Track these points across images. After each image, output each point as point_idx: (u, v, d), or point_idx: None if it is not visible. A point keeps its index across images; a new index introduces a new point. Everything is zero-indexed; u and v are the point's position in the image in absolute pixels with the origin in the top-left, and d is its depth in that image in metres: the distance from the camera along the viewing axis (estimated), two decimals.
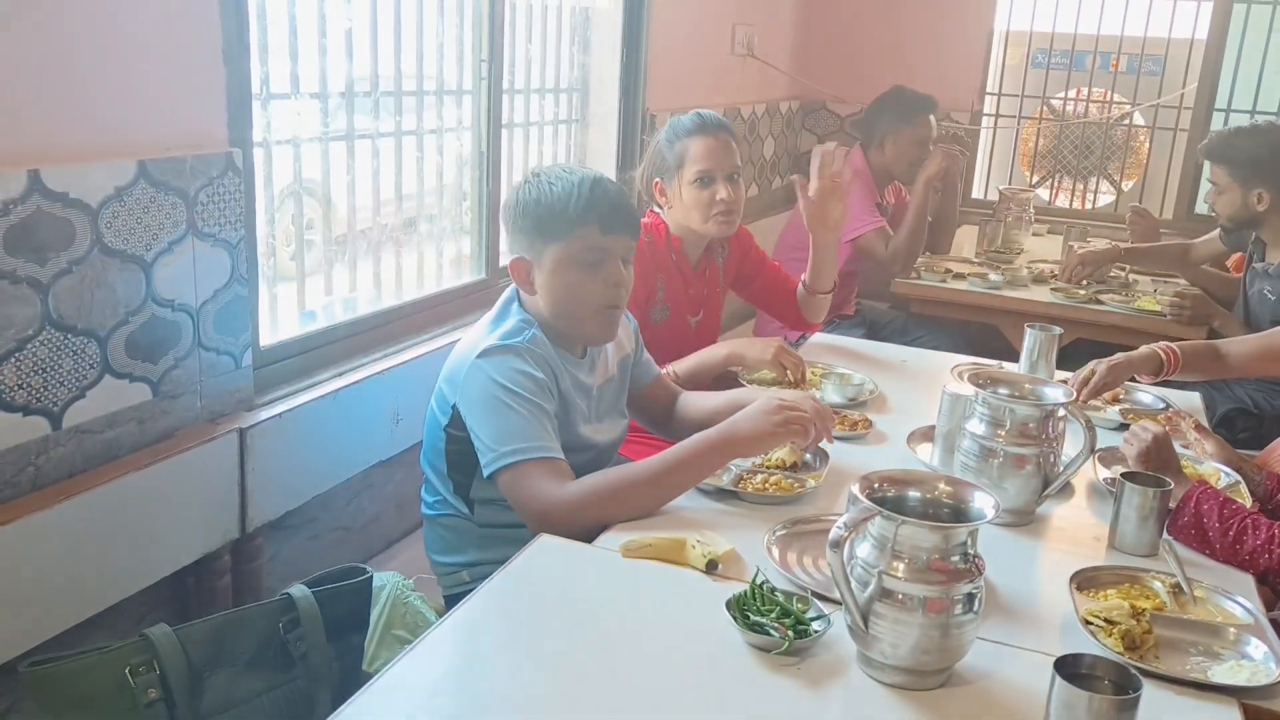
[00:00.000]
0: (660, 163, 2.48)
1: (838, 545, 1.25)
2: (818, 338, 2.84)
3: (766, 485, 1.82)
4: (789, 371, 2.37)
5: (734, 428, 1.73)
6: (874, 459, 2.02)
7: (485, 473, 1.68)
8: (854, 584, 1.28)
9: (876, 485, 1.33)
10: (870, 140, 3.71)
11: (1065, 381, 2.40)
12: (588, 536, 1.61)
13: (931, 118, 3.66)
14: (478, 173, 2.89)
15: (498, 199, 2.92)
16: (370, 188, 2.53)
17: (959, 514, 1.31)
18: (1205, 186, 4.74)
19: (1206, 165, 3.19)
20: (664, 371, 2.23)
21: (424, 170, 2.72)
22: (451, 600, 1.86)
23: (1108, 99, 5.17)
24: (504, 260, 2.99)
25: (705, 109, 2.50)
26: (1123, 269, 3.82)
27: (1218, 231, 3.53)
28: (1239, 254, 3.64)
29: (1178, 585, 1.55)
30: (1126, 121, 5.15)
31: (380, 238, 2.62)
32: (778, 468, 1.90)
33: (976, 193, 4.92)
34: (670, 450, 1.72)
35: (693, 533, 1.59)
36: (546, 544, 1.59)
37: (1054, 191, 5.31)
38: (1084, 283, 3.58)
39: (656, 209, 2.55)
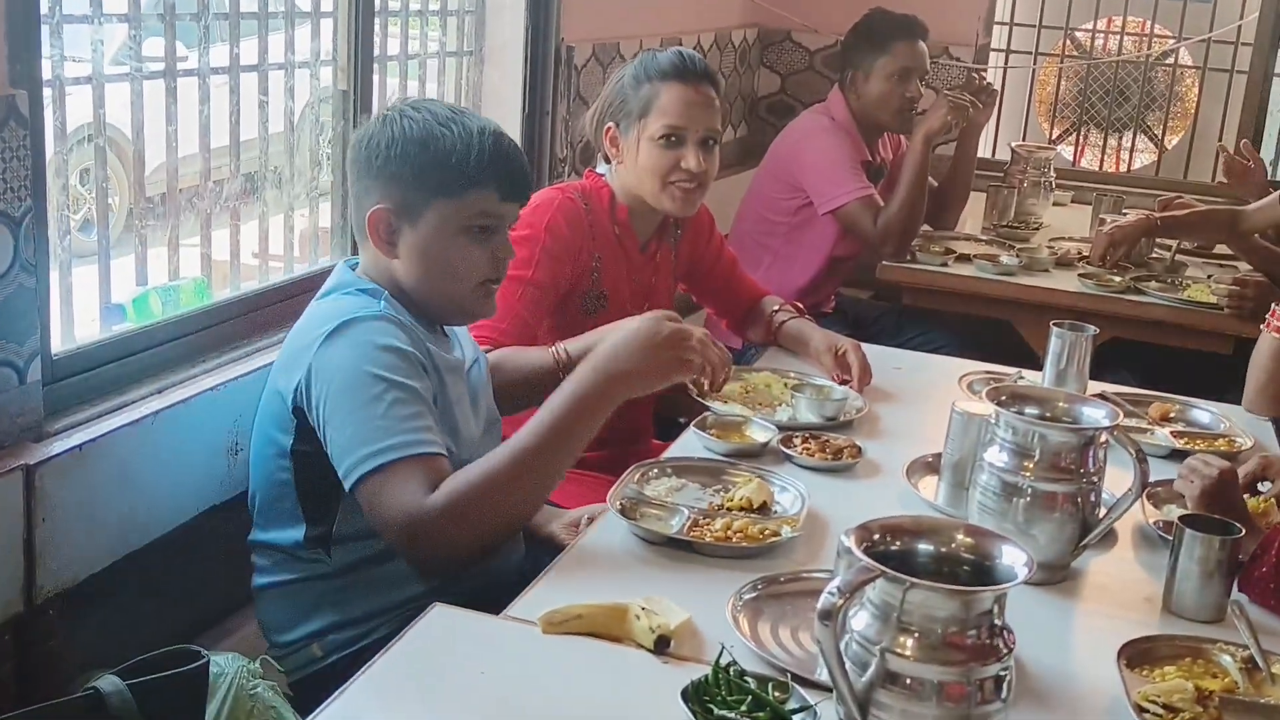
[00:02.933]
0: (620, 104, 2.50)
1: (829, 616, 1.25)
2: None
3: (729, 533, 1.83)
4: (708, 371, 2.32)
5: (613, 363, 1.83)
6: (864, 497, 2.05)
7: (347, 485, 1.73)
8: (849, 665, 1.29)
9: (877, 536, 1.34)
10: (845, 80, 3.77)
11: (1104, 397, 2.45)
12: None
13: (919, 45, 3.70)
14: (341, 120, 2.86)
15: None
16: (197, 139, 2.48)
17: (982, 573, 1.33)
18: (1262, 144, 4.89)
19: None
20: (552, 351, 2.23)
21: (269, 117, 2.68)
22: (302, 687, 1.84)
23: (1147, 31, 5.31)
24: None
25: (683, 48, 2.54)
26: (1167, 248, 3.91)
27: (1275, 196, 3.63)
28: None
29: (1252, 659, 1.59)
30: (1170, 60, 5.29)
31: (212, 205, 2.57)
32: (741, 509, 1.92)
33: (983, 151, 4.99)
34: (542, 412, 1.79)
35: (635, 598, 1.58)
36: (441, 616, 1.58)
37: (1079, 149, 5.44)
38: (1120, 267, 3.66)
39: (601, 168, 2.57)
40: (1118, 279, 3.56)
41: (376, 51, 2.94)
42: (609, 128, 2.51)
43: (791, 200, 3.71)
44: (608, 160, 2.55)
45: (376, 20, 2.91)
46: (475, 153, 1.84)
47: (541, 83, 3.51)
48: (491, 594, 1.68)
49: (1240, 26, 4.98)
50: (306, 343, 1.81)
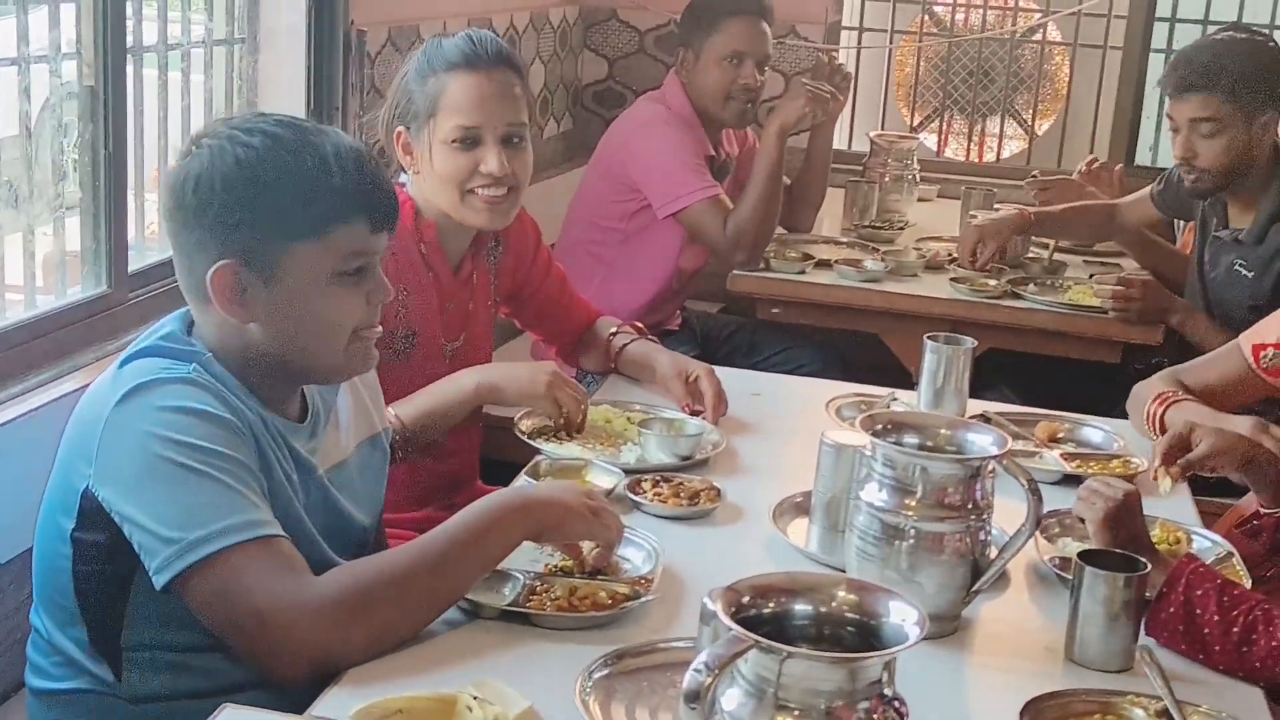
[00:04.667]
0: (406, 103, 2.47)
1: (696, 698, 1.24)
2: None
3: (572, 600, 1.81)
4: (564, 410, 2.41)
5: (536, 493, 1.95)
6: (727, 547, 2.05)
7: (161, 581, 1.63)
8: None
9: (747, 599, 1.33)
10: (679, 63, 3.79)
11: (986, 419, 2.50)
12: (350, 662, 1.62)
13: (758, 25, 3.72)
14: (89, 123, 2.76)
15: (122, 162, 2.81)
16: None
17: (869, 635, 1.33)
18: (1142, 127, 5.08)
19: (1169, 100, 3.35)
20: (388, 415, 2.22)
21: (1, 120, 2.58)
22: None
23: (1011, 4, 5.48)
24: (138, 262, 2.90)
25: (474, 30, 2.50)
26: (1044, 245, 4.02)
27: (1147, 190, 3.77)
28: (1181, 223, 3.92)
29: (1166, 712, 1.62)
30: (1038, 36, 5.47)
31: None
32: (577, 573, 1.89)
33: (838, 141, 5.07)
34: (452, 521, 1.77)
35: (465, 685, 1.55)
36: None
37: (943, 137, 5.58)
38: (992, 268, 3.73)
39: (402, 177, 2.53)
40: (993, 283, 3.64)
41: (130, 41, 2.85)
42: (399, 132, 2.47)
43: (626, 203, 3.71)
44: (404, 169, 2.51)
45: (129, 3, 2.82)
46: (336, 180, 1.74)
47: (329, 74, 3.45)
48: (290, 689, 1.62)
49: None
50: (95, 413, 1.70)
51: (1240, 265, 3.29)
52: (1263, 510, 2.25)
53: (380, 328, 1.86)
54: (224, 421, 1.69)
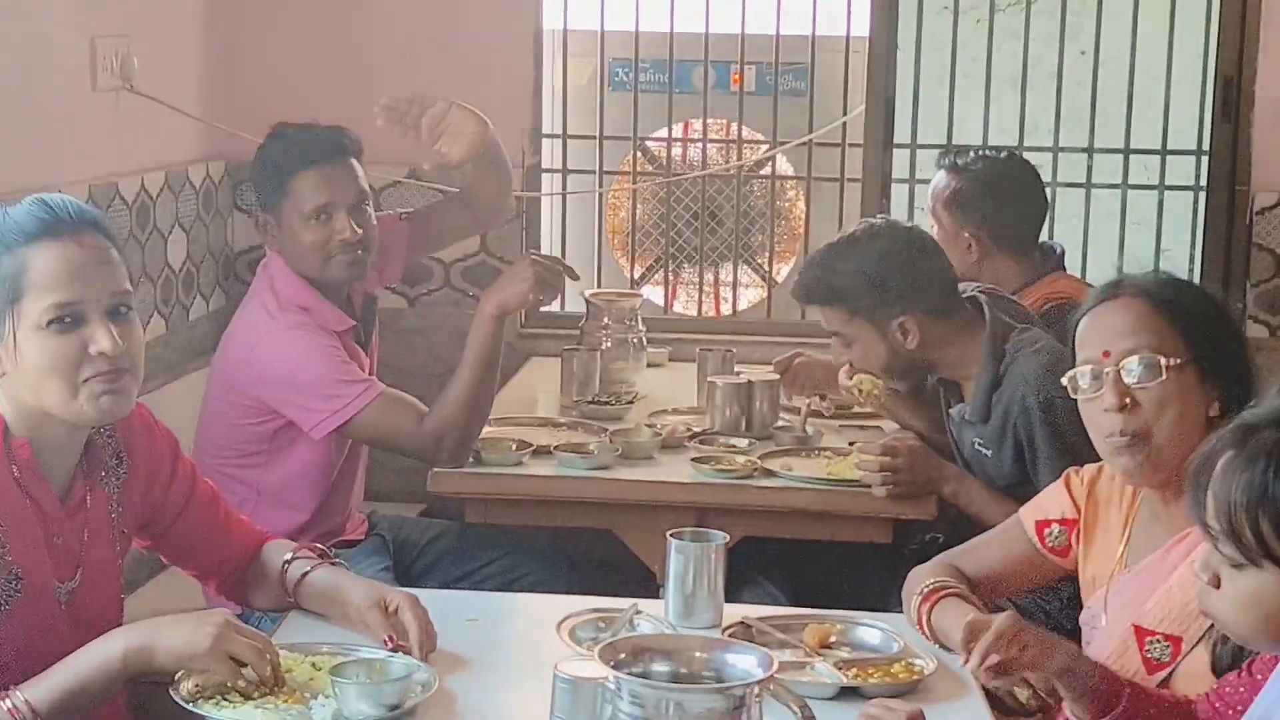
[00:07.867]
0: None
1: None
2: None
3: None
4: (246, 667, 2.31)
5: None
6: None
7: None
8: None
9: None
10: (264, 232, 3.75)
11: (746, 627, 2.50)
12: None
13: (341, 164, 3.64)
14: None
15: None
16: None
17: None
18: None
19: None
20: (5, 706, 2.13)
21: None
22: None
23: (733, 135, 5.65)
24: None
25: (52, 193, 2.42)
26: (794, 411, 4.04)
27: None
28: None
29: None
30: (766, 170, 5.64)
31: None
32: None
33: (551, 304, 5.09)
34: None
35: None
36: None
37: (670, 289, 5.67)
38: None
39: None
40: (741, 459, 3.66)
41: None
42: None
43: (265, 424, 3.60)
44: None
45: None
46: None
47: None
48: None
49: (845, 124, 5.38)
50: None
51: (979, 445, 3.43)
52: None
53: None
54: None
